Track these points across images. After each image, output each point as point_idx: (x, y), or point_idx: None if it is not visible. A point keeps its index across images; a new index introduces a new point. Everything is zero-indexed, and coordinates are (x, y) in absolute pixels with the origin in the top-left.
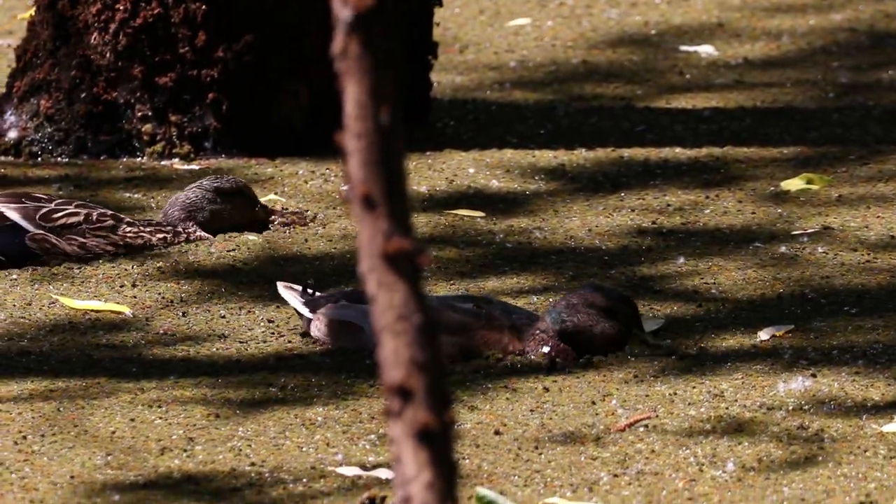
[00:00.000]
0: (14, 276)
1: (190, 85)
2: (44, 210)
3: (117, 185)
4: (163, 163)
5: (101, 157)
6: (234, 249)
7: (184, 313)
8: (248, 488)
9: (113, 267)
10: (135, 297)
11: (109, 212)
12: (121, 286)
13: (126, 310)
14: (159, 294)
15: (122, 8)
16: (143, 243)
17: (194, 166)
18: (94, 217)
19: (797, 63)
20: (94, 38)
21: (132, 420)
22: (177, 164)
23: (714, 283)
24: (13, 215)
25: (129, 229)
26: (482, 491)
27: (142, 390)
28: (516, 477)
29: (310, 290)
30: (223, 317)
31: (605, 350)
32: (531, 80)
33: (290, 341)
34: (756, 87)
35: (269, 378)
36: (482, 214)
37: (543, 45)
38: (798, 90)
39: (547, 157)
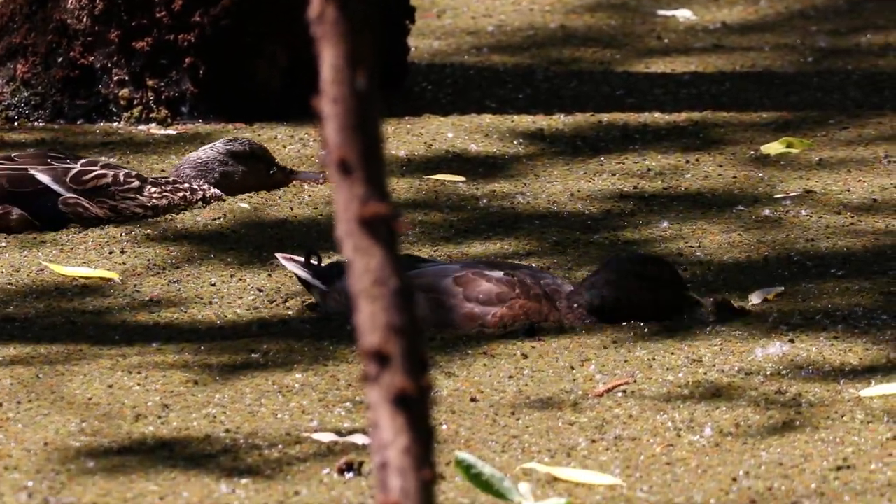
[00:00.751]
0: (3, 243)
1: (167, 49)
2: (73, 172)
3: (94, 149)
4: (140, 127)
5: (78, 122)
6: (220, 217)
7: (171, 280)
8: (222, 455)
9: (102, 234)
10: (123, 263)
11: (134, 171)
12: (109, 252)
13: (115, 276)
14: (148, 260)
15: None
16: (168, 203)
17: (171, 131)
18: (122, 178)
19: (775, 27)
20: (71, 3)
21: (110, 386)
22: (153, 128)
23: (699, 247)
24: (45, 178)
25: (154, 190)
26: (461, 455)
27: (123, 357)
28: (494, 443)
29: (314, 261)
30: (213, 284)
31: (656, 318)
32: (509, 45)
33: (275, 308)
34: (735, 51)
35: (251, 344)
36: (463, 179)
37: (521, 10)
38: (777, 54)
39: (526, 121)
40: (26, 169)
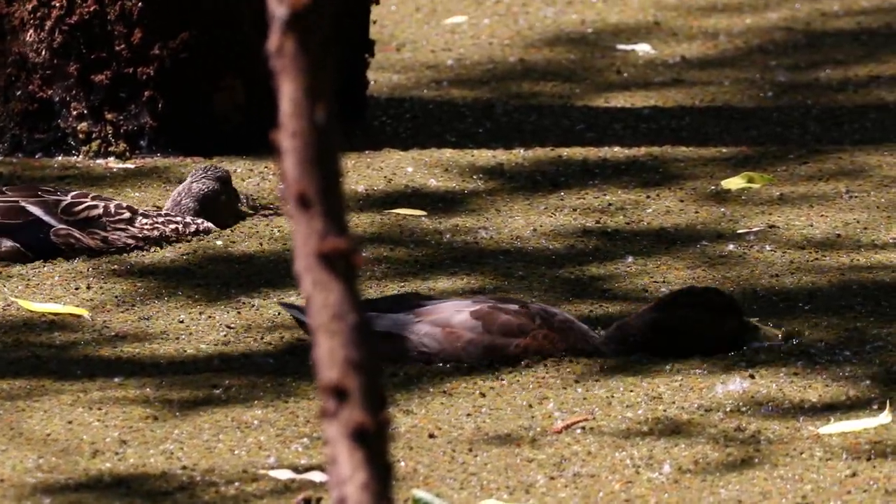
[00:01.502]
0: None
1: (126, 83)
2: (64, 203)
3: (51, 183)
4: (98, 161)
5: (37, 156)
6: (188, 253)
7: (140, 316)
8: (179, 491)
9: (69, 269)
10: (91, 298)
11: (125, 203)
12: (76, 288)
13: (84, 312)
14: (115, 296)
15: (58, 5)
16: (159, 235)
17: (129, 165)
18: (112, 209)
19: (735, 62)
20: (30, 36)
21: (69, 422)
22: (111, 162)
23: (664, 282)
24: (35, 210)
25: (145, 221)
26: (418, 493)
27: (84, 392)
28: (452, 479)
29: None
30: (181, 321)
31: (713, 347)
32: (469, 79)
33: (240, 344)
34: (694, 85)
35: (212, 379)
36: (425, 213)
37: (480, 44)
38: (736, 89)
39: (486, 156)
40: (17, 201)
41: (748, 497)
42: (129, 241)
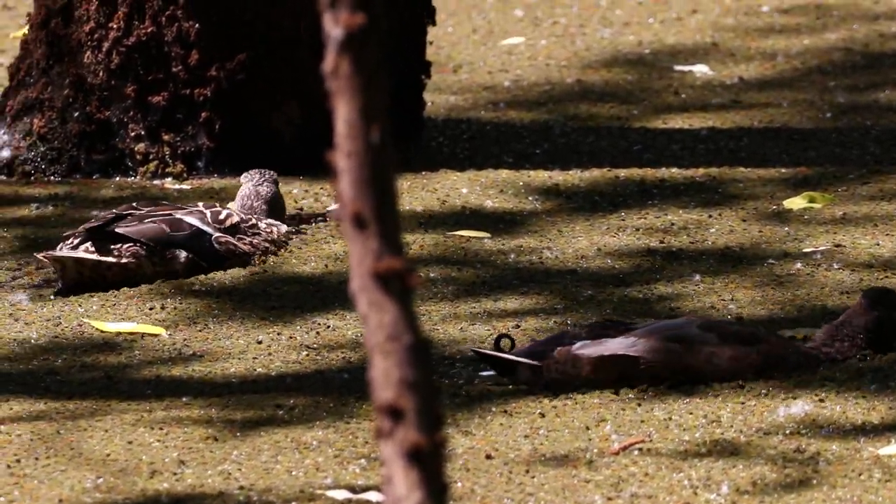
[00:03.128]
0: (49, 295)
1: (183, 104)
2: (209, 213)
3: (108, 204)
4: (155, 182)
5: (94, 177)
6: (258, 273)
7: (214, 334)
8: None
9: (142, 290)
10: (164, 319)
11: (244, 212)
12: (150, 308)
13: (161, 331)
14: (189, 316)
15: (115, 27)
16: (276, 238)
17: (185, 185)
18: (244, 217)
19: (793, 83)
20: (88, 57)
21: (129, 442)
22: (168, 183)
23: (732, 300)
24: (193, 220)
25: (263, 226)
26: None
27: (149, 411)
28: (509, 500)
29: (504, 343)
30: (259, 341)
31: None
32: (526, 100)
33: (306, 363)
34: (752, 106)
35: (278, 399)
36: (488, 235)
37: (537, 65)
38: (794, 110)
39: (542, 177)
40: (171, 214)
41: None
42: (267, 245)
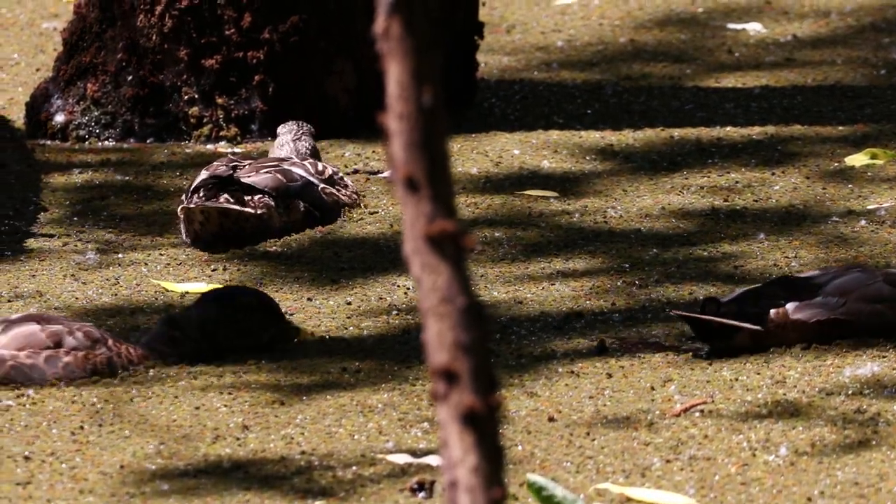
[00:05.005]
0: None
1: (236, 67)
2: (307, 163)
3: (163, 168)
4: (209, 146)
5: (148, 141)
6: (317, 237)
7: (277, 296)
8: (296, 476)
9: (201, 254)
10: (229, 279)
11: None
12: (213, 269)
13: None
14: (254, 277)
15: None
16: (358, 191)
17: (239, 149)
18: (334, 170)
19: (847, 40)
20: (141, 21)
21: (197, 408)
22: (221, 146)
23: (796, 258)
24: (301, 171)
25: (345, 180)
26: (532, 477)
27: (219, 377)
28: (568, 463)
29: (710, 306)
30: (310, 300)
31: None
32: (578, 60)
33: (377, 326)
34: (806, 64)
35: (345, 362)
36: (556, 195)
37: (590, 25)
38: (849, 67)
39: (594, 137)
40: (279, 164)
41: (864, 479)
42: (354, 196)
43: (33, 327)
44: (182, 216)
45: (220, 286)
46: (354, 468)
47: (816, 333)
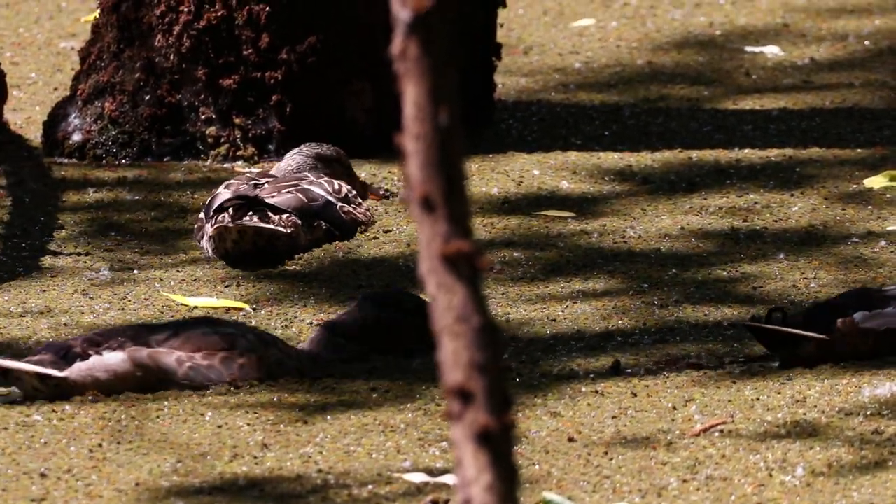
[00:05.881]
0: (130, 274)
1: (254, 87)
2: (324, 182)
3: (179, 187)
4: (226, 165)
5: (165, 160)
6: (330, 255)
7: (297, 312)
8: (312, 494)
9: (213, 271)
10: (243, 295)
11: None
12: (227, 286)
13: (245, 306)
14: (269, 293)
15: (185, 10)
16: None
17: (257, 169)
18: (349, 188)
19: (865, 63)
20: (158, 41)
21: (219, 426)
22: (238, 166)
23: (815, 278)
24: (320, 191)
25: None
26: (549, 496)
27: (251, 394)
28: (585, 483)
29: (776, 316)
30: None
31: None
32: (596, 82)
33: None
34: (824, 87)
35: (373, 381)
36: (573, 214)
37: (608, 46)
38: (867, 90)
39: (613, 158)
40: (298, 184)
41: (881, 500)
42: (368, 213)
43: (205, 330)
44: (213, 234)
45: (380, 291)
46: (370, 487)
47: (885, 343)
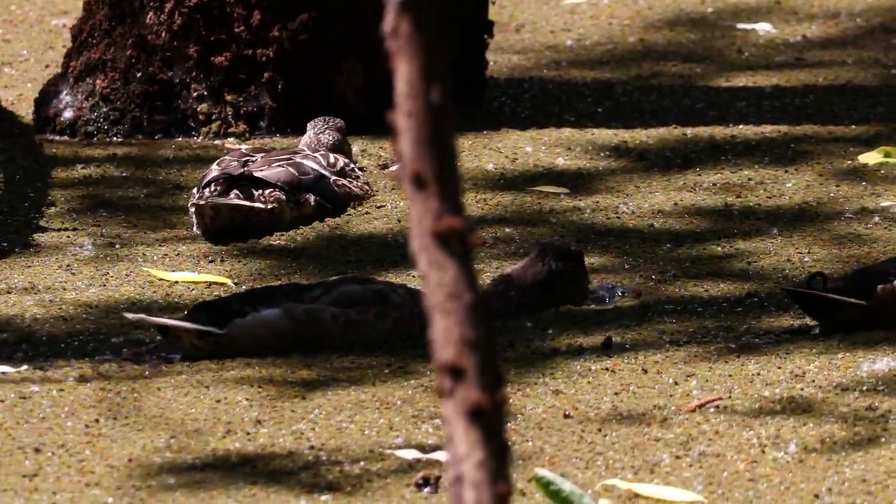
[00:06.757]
0: (117, 249)
1: (245, 64)
2: (319, 156)
3: (170, 164)
4: (217, 142)
5: (157, 137)
6: (319, 231)
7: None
8: (303, 471)
9: (197, 248)
10: (227, 270)
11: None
12: (210, 261)
13: (227, 281)
14: (254, 270)
15: None
16: (369, 182)
17: (248, 146)
18: (346, 161)
19: (857, 41)
20: (150, 18)
21: (218, 401)
22: (229, 143)
23: (809, 253)
24: (313, 165)
25: (359, 172)
26: (541, 472)
27: (252, 369)
28: (578, 459)
29: (816, 281)
30: None
31: None
32: (588, 59)
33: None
34: (816, 64)
35: (378, 357)
36: (566, 190)
37: (600, 24)
38: (859, 67)
39: (607, 135)
40: (291, 158)
41: (873, 476)
42: (366, 187)
43: (355, 287)
44: (193, 211)
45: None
46: (362, 463)
47: None
